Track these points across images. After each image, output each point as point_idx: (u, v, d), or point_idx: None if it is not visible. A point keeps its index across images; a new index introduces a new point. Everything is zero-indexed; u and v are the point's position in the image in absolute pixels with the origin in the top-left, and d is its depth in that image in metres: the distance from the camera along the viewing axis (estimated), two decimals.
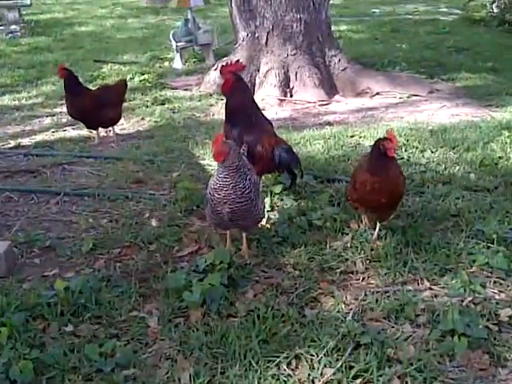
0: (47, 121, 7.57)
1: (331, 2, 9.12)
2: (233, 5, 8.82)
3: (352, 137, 6.48)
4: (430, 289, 3.71)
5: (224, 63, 5.02)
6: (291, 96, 8.38)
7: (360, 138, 6.44)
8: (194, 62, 10.77)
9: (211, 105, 8.19)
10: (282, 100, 8.25)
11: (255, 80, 8.61)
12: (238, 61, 5.00)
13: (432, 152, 5.95)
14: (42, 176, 5.69)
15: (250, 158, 4.75)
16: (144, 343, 3.21)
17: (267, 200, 4.80)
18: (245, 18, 8.70)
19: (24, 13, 17.09)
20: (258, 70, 8.62)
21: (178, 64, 10.50)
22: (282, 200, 4.87)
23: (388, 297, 3.61)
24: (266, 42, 8.58)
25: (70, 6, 22.18)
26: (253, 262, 3.98)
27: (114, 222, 4.60)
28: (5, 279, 3.82)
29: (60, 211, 4.89)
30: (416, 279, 3.79)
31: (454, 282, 3.72)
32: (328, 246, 4.18)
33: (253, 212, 3.92)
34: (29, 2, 15.11)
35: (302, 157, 5.73)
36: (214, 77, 8.83)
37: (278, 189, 4.96)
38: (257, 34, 8.65)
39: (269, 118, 7.68)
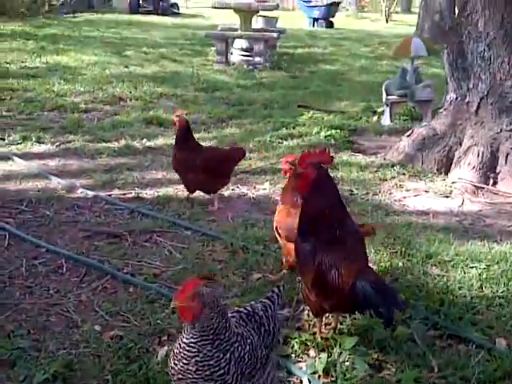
0: None
1: None
2: (444, 60, 7.11)
3: None
4: None
5: (306, 152, 3.59)
6: (494, 184, 6.41)
7: None
8: (405, 120, 9.17)
9: (385, 180, 6.60)
10: (478, 188, 6.34)
11: (453, 156, 6.82)
12: (324, 150, 3.53)
13: None
14: (120, 244, 4.82)
15: (320, 289, 3.31)
16: None
17: (323, 357, 3.26)
18: (456, 77, 6.95)
19: (280, 44, 17.04)
20: (460, 144, 6.80)
21: (386, 120, 9.03)
22: (350, 362, 3.27)
23: None
24: (477, 111, 6.72)
25: (336, 41, 21.70)
26: None
27: (116, 340, 3.47)
28: None
29: (87, 303, 3.93)
30: None
31: None
32: None
33: None
34: (275, 36, 14.79)
35: (435, 289, 4.04)
36: (404, 144, 7.23)
37: (349, 342, 3.37)
38: (467, 99, 6.84)
39: (451, 209, 6.06)
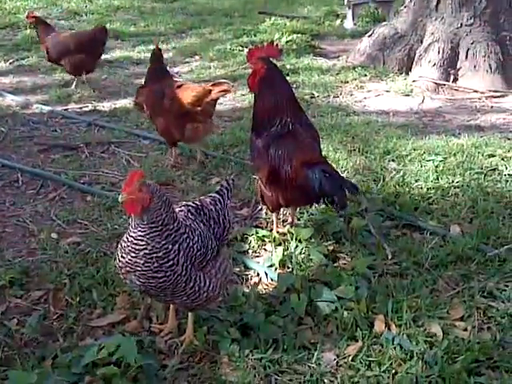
0: None
1: None
2: None
3: (491, 156, 4.52)
4: None
5: (254, 46, 3.48)
6: (455, 81, 6.38)
7: (502, 159, 4.45)
8: (368, 22, 9.01)
9: (346, 82, 6.53)
10: (438, 85, 6.31)
11: (414, 55, 6.74)
12: (272, 43, 3.44)
13: None
14: (76, 156, 4.76)
15: (275, 182, 3.29)
16: None
17: (279, 250, 3.30)
18: None
19: None
20: (421, 42, 6.72)
21: (348, 23, 8.86)
22: (306, 254, 3.32)
23: None
24: (437, 6, 6.61)
25: None
26: (178, 363, 2.59)
27: (73, 246, 3.47)
28: None
29: (43, 213, 3.90)
30: None
31: None
32: (314, 357, 2.61)
33: (186, 291, 2.52)
34: None
35: (391, 182, 4.07)
36: (365, 45, 7.12)
37: (305, 234, 3.40)
38: None
39: (411, 107, 6.04)
